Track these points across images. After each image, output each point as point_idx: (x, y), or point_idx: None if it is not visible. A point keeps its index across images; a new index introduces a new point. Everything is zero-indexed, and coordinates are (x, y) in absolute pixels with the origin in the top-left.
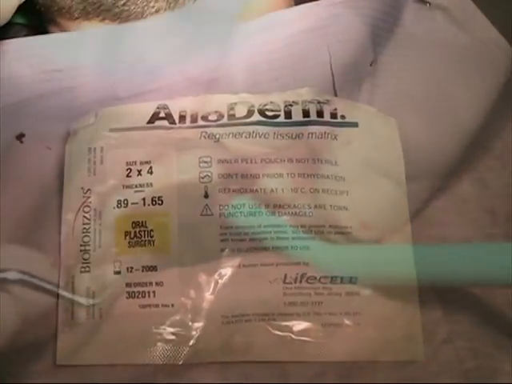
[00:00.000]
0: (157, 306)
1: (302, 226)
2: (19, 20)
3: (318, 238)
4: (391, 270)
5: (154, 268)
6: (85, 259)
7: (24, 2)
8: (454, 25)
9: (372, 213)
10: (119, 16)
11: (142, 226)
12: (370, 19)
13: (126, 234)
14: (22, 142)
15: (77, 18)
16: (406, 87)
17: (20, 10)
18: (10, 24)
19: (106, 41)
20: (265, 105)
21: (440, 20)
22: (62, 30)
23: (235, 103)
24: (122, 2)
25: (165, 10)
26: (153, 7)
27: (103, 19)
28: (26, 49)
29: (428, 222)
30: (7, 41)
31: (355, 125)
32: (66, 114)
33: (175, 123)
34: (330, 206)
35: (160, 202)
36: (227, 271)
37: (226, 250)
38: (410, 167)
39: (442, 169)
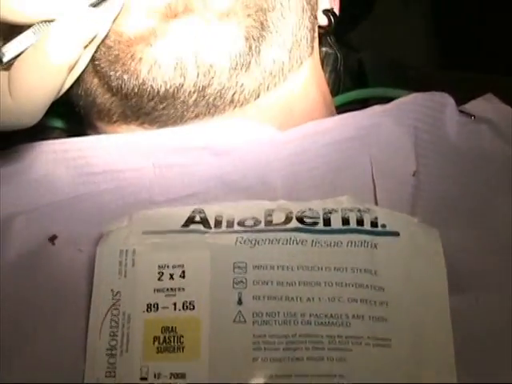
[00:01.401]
0: None
1: (338, 337)
2: (56, 124)
3: (355, 349)
4: None
5: (182, 375)
6: (110, 363)
7: (61, 106)
8: (499, 137)
9: (413, 326)
10: (158, 120)
11: (172, 331)
12: (413, 129)
13: (155, 339)
14: (53, 243)
15: (115, 122)
16: (450, 199)
17: (57, 113)
18: (46, 127)
19: (143, 145)
20: (303, 212)
21: (485, 133)
22: (99, 133)
23: (273, 210)
24: (162, 106)
25: (204, 115)
26: (193, 112)
27: (142, 123)
28: (63, 151)
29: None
30: (44, 142)
31: (396, 234)
32: (99, 216)
33: (210, 228)
34: (369, 316)
35: (191, 307)
36: (259, 381)
37: (259, 360)
38: (453, 279)
39: (487, 282)
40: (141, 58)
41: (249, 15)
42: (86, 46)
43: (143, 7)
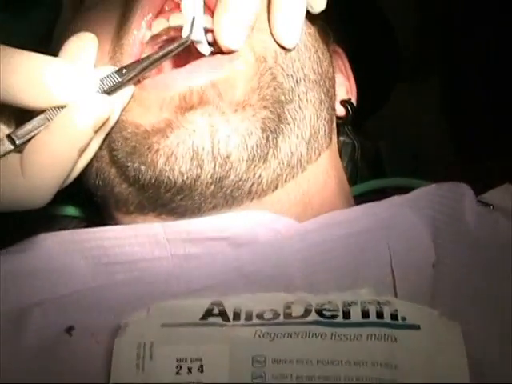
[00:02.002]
0: None
1: None
2: (74, 213)
3: None
4: None
5: None
6: None
7: (76, 195)
8: None
9: None
10: (175, 211)
11: None
12: (432, 220)
13: None
14: (71, 334)
15: (132, 212)
16: (470, 290)
17: (74, 202)
18: (63, 216)
19: (160, 236)
20: (322, 304)
21: (504, 222)
22: (117, 223)
23: (292, 302)
24: (179, 197)
25: (222, 206)
26: (210, 203)
27: (159, 214)
28: (81, 241)
29: None
30: (62, 232)
31: (417, 327)
32: (117, 307)
33: (229, 320)
34: None
35: None
36: None
37: None
38: (475, 372)
39: (508, 373)
40: (158, 150)
41: (265, 107)
42: (96, 131)
43: (159, 99)
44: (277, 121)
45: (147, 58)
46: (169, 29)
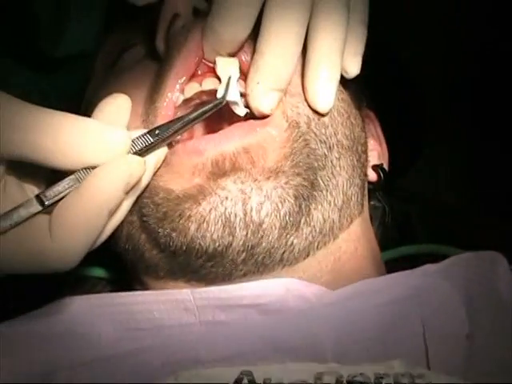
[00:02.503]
0: None
1: None
2: (98, 273)
3: None
4: None
5: None
6: None
7: (103, 257)
8: None
9: None
10: (206, 278)
11: None
12: (465, 290)
13: None
14: None
15: (162, 278)
16: (504, 360)
17: (102, 264)
18: (90, 277)
19: (189, 302)
20: (354, 376)
21: None
22: (146, 288)
23: (323, 373)
24: (210, 264)
25: (253, 273)
26: (241, 270)
27: (189, 280)
28: (109, 305)
29: None
30: (91, 296)
31: None
32: (144, 373)
33: None
34: None
35: None
36: None
37: None
38: None
39: None
40: (189, 216)
41: (298, 174)
42: (127, 192)
43: (191, 165)
44: (310, 188)
45: (180, 118)
46: (201, 92)
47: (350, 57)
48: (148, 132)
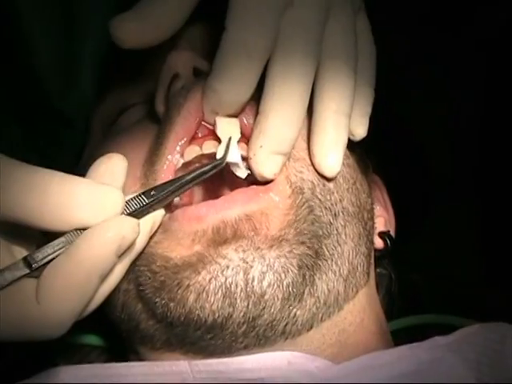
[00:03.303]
0: None
1: None
2: (92, 341)
3: None
4: None
5: None
6: None
7: (97, 324)
8: None
9: None
10: (204, 350)
11: None
12: (475, 364)
13: None
14: None
15: (159, 349)
16: None
17: (97, 331)
18: (84, 345)
19: (187, 375)
20: None
21: None
22: (141, 358)
23: None
24: (209, 336)
25: (254, 346)
26: (241, 343)
27: (187, 352)
28: (104, 377)
29: None
30: (84, 366)
31: None
32: None
33: None
34: None
35: None
36: None
37: None
38: None
39: None
40: (188, 286)
41: (302, 242)
42: (120, 256)
43: (191, 231)
44: (314, 257)
45: (177, 179)
46: (202, 156)
47: (358, 118)
48: (143, 193)
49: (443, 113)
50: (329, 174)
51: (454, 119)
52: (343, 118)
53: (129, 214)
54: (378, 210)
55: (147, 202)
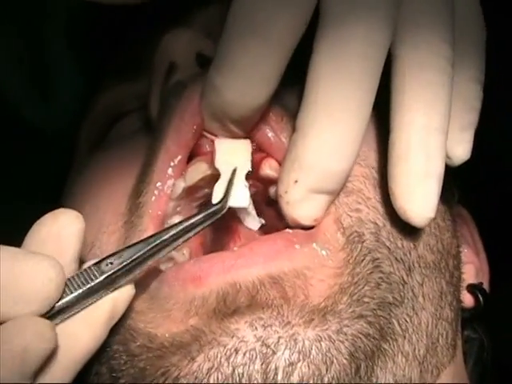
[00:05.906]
0: None
1: None
2: None
3: None
4: None
5: None
6: None
7: None
8: None
9: None
10: None
11: None
12: None
13: None
14: None
15: None
16: None
17: None
18: None
19: None
20: None
21: None
22: None
23: None
24: None
25: None
26: None
27: None
28: None
29: None
30: None
31: None
32: None
33: None
34: None
35: None
36: None
37: None
38: None
39: None
40: (177, 377)
41: (361, 316)
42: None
43: (185, 300)
44: (377, 338)
45: (159, 235)
46: (212, 176)
47: (457, 134)
48: (96, 263)
49: None
50: (419, 223)
51: None
52: (438, 137)
53: (81, 297)
54: (467, 254)
55: (102, 277)
